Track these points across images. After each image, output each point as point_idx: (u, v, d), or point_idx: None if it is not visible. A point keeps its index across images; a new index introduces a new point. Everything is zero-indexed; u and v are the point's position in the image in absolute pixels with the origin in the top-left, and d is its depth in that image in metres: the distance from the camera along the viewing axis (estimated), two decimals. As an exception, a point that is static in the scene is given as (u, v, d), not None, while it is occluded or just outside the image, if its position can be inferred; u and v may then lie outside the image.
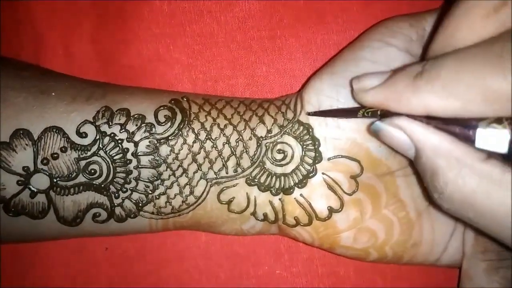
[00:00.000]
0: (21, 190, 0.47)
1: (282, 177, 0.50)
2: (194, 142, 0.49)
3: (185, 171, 0.49)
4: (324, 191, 0.49)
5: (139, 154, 0.48)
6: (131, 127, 0.48)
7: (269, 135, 0.50)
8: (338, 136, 0.49)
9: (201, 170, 0.49)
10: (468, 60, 0.35)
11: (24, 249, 0.60)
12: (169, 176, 0.49)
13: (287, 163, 0.50)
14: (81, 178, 0.48)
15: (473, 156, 0.37)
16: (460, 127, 0.38)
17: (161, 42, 0.59)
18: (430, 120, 0.39)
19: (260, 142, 0.50)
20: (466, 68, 0.35)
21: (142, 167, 0.49)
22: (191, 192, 0.50)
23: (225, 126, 0.49)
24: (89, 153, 0.48)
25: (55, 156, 0.47)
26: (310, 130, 0.49)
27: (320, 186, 0.49)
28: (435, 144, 0.39)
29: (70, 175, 0.48)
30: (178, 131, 0.49)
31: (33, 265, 0.59)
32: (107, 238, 0.58)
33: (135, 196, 0.49)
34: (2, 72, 0.49)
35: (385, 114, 0.41)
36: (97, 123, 0.48)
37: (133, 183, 0.49)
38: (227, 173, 0.50)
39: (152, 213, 0.50)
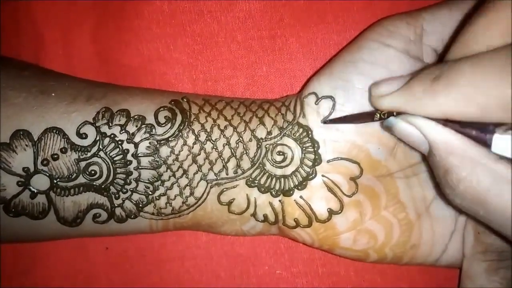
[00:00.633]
0: (21, 191, 0.47)
1: (282, 179, 0.50)
2: (194, 143, 0.49)
3: (185, 172, 0.49)
4: (324, 193, 0.49)
5: (139, 155, 0.48)
6: (131, 128, 0.48)
7: (269, 136, 0.50)
8: (338, 138, 0.49)
9: (201, 171, 0.49)
10: (486, 66, 0.35)
11: (24, 249, 0.60)
12: (169, 177, 0.49)
13: (287, 165, 0.50)
14: (81, 179, 0.48)
15: (487, 156, 0.38)
16: (476, 131, 0.38)
17: (161, 42, 0.59)
18: (447, 122, 0.39)
19: (260, 143, 0.50)
20: (484, 74, 0.35)
21: (142, 168, 0.49)
22: (191, 193, 0.50)
23: (225, 127, 0.49)
24: (89, 154, 0.48)
25: (55, 157, 0.47)
26: (310, 132, 0.49)
27: (320, 188, 0.49)
28: (449, 142, 0.39)
29: (70, 176, 0.48)
30: (178, 132, 0.49)
31: (33, 265, 0.59)
32: (107, 238, 0.58)
33: (136, 197, 0.49)
34: (2, 72, 0.49)
35: (401, 114, 0.42)
36: (97, 124, 0.48)
37: (133, 184, 0.49)
38: (227, 174, 0.50)
39: (153, 213, 0.50)
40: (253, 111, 0.51)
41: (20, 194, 0.47)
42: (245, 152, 0.49)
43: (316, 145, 0.49)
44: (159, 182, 0.49)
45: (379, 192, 0.50)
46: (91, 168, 0.48)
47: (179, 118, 0.49)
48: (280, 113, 0.50)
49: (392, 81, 0.42)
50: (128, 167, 0.48)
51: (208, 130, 0.49)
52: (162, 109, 0.49)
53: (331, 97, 0.48)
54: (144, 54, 0.59)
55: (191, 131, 0.49)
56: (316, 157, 0.49)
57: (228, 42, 0.59)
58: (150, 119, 0.49)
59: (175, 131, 0.49)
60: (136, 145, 0.48)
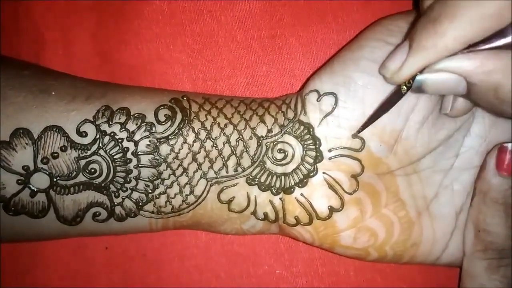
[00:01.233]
0: (21, 189, 0.47)
1: (283, 177, 0.49)
2: (194, 141, 0.49)
3: (185, 170, 0.49)
4: (325, 190, 0.49)
5: (139, 153, 0.48)
6: (131, 126, 0.48)
7: (270, 134, 0.49)
8: (339, 135, 0.48)
9: (201, 170, 0.49)
10: None
11: (24, 249, 0.60)
12: (169, 175, 0.49)
13: (288, 163, 0.49)
14: (81, 178, 0.48)
15: None
16: (498, 38, 0.38)
17: (161, 41, 0.59)
18: (469, 49, 0.39)
19: (260, 141, 0.49)
20: None
21: (142, 166, 0.49)
22: (191, 192, 0.50)
23: (226, 125, 0.49)
24: (89, 152, 0.48)
25: (55, 155, 0.47)
26: (311, 129, 0.49)
27: (320, 186, 0.49)
28: (483, 62, 0.39)
29: (70, 174, 0.48)
30: (178, 130, 0.49)
31: (33, 265, 0.59)
32: (107, 238, 0.58)
33: (135, 195, 0.49)
34: (2, 71, 0.49)
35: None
36: (97, 122, 0.48)
37: (133, 182, 0.49)
38: (227, 172, 0.50)
39: (152, 212, 0.50)
40: (254, 109, 0.50)
41: (20, 192, 0.47)
42: (245, 150, 0.49)
43: (317, 142, 0.49)
44: (159, 180, 0.49)
45: (379, 189, 0.50)
46: (91, 166, 0.48)
47: (179, 116, 0.49)
48: (280, 111, 0.50)
49: (396, 52, 0.42)
50: (128, 165, 0.48)
51: (208, 128, 0.49)
52: (162, 107, 0.49)
53: (333, 94, 0.48)
54: (144, 54, 0.59)
55: (191, 129, 0.49)
56: (318, 154, 0.49)
57: (228, 42, 0.59)
58: (150, 117, 0.49)
59: (175, 129, 0.49)
60: (136, 143, 0.48)
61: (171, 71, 0.59)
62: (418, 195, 0.51)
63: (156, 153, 0.49)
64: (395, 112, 0.47)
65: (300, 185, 0.49)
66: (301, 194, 0.49)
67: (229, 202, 0.50)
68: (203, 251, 0.60)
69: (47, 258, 0.59)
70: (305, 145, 0.49)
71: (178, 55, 0.59)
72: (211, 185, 0.50)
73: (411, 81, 0.42)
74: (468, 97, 0.43)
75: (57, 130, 0.48)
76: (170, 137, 0.49)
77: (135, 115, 0.49)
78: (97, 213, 0.49)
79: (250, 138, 0.50)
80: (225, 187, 0.50)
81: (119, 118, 0.48)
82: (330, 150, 0.49)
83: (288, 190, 0.49)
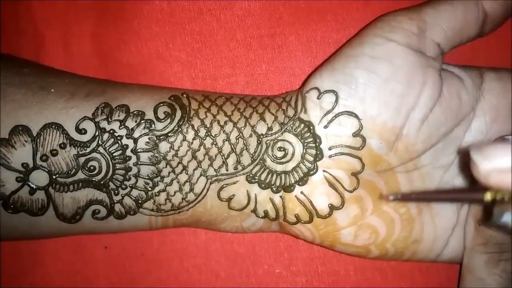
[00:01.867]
0: (20, 186, 0.47)
1: (283, 175, 0.49)
2: (193, 138, 0.49)
3: (185, 168, 0.49)
4: (325, 188, 0.49)
5: (139, 150, 0.48)
6: (130, 123, 0.48)
7: (270, 132, 0.49)
8: (339, 133, 0.48)
9: (201, 167, 0.49)
10: None
11: (24, 249, 0.59)
12: (169, 173, 0.49)
13: (288, 161, 0.49)
14: (80, 175, 0.48)
15: None
16: None
17: (161, 40, 0.59)
18: None
19: (260, 139, 0.49)
20: None
21: (142, 164, 0.48)
22: (191, 189, 0.49)
23: (225, 123, 0.49)
24: (88, 150, 0.48)
25: (54, 153, 0.47)
26: (311, 127, 0.49)
27: (321, 184, 0.49)
28: None
29: (70, 172, 0.48)
30: (178, 127, 0.49)
31: (33, 264, 0.59)
32: (106, 237, 0.58)
33: (135, 193, 0.49)
34: (2, 68, 0.49)
35: None
36: (96, 120, 0.48)
37: (133, 180, 0.49)
38: (227, 170, 0.50)
39: (152, 210, 0.50)
40: (254, 107, 0.50)
41: (19, 190, 0.47)
42: (245, 148, 0.49)
43: (318, 140, 0.48)
44: (159, 178, 0.49)
45: (380, 187, 0.50)
46: (90, 163, 0.48)
47: (178, 113, 0.49)
48: (281, 109, 0.50)
49: (503, 150, 0.34)
50: (127, 162, 0.48)
51: (208, 125, 0.49)
52: (161, 104, 0.49)
53: (333, 91, 0.48)
54: (144, 53, 0.59)
55: (190, 126, 0.49)
56: (318, 152, 0.49)
57: (228, 40, 0.59)
58: (150, 115, 0.49)
59: (175, 126, 0.49)
60: (135, 141, 0.48)
61: (170, 70, 0.59)
62: None
63: (156, 150, 0.48)
64: (395, 110, 0.47)
65: (300, 183, 0.49)
66: (301, 192, 0.49)
67: (229, 200, 0.50)
68: (203, 250, 0.59)
69: (47, 257, 0.59)
70: (305, 143, 0.49)
71: (178, 54, 0.59)
72: (211, 183, 0.50)
73: (501, 199, 0.35)
74: None
75: (56, 127, 0.47)
76: (169, 134, 0.48)
77: (135, 112, 0.48)
78: (97, 211, 0.49)
79: (250, 136, 0.49)
80: (225, 185, 0.50)
81: (119, 115, 0.48)
82: (330, 148, 0.49)
83: (288, 188, 0.49)
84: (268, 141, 0.49)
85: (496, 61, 0.58)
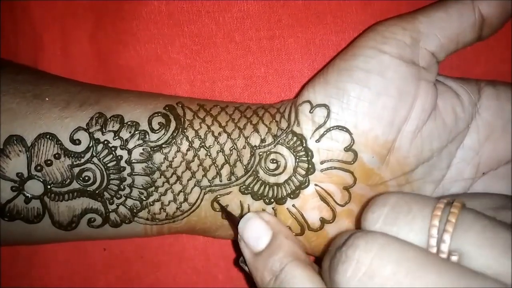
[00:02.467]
0: (16, 195, 0.48)
1: (275, 187, 0.49)
2: (188, 150, 0.49)
3: (179, 178, 0.49)
4: (317, 202, 0.49)
5: (133, 161, 0.48)
6: (124, 134, 0.48)
7: (263, 144, 0.49)
8: (331, 148, 0.48)
9: (195, 178, 0.49)
10: None
11: (23, 250, 0.60)
12: (163, 183, 0.49)
13: (280, 173, 0.49)
14: (75, 185, 0.48)
15: None
16: None
17: (159, 42, 0.58)
18: None
19: (254, 151, 0.49)
20: None
21: (136, 175, 0.49)
22: (185, 199, 0.50)
23: (219, 134, 0.49)
24: (82, 160, 0.48)
25: (48, 163, 0.47)
26: (304, 141, 0.49)
27: (312, 197, 0.49)
28: None
29: (64, 182, 0.48)
30: (172, 139, 0.49)
31: (32, 265, 0.60)
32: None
33: (130, 202, 0.49)
34: None
35: None
36: (90, 130, 0.48)
37: (127, 190, 0.49)
38: (221, 181, 0.50)
39: (147, 219, 0.50)
40: (248, 117, 0.50)
41: (15, 199, 0.48)
42: (238, 159, 0.49)
43: (310, 154, 0.48)
44: (153, 188, 0.49)
45: None
46: (84, 174, 0.48)
47: (173, 124, 0.49)
48: (274, 120, 0.50)
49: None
50: (122, 173, 0.48)
51: (202, 136, 0.49)
52: (156, 115, 0.49)
53: (325, 106, 0.48)
54: (142, 55, 0.58)
55: (185, 137, 0.49)
56: (310, 166, 0.48)
57: (226, 43, 0.58)
58: (144, 125, 0.49)
59: (169, 137, 0.49)
60: (130, 152, 0.48)
61: (169, 72, 0.59)
62: None
63: (150, 161, 0.49)
64: (387, 123, 0.47)
65: (292, 196, 0.49)
66: (293, 205, 0.49)
67: (218, 208, 0.50)
68: (201, 253, 0.60)
69: (46, 259, 0.60)
70: (298, 157, 0.49)
71: (176, 56, 0.58)
72: (205, 193, 0.50)
73: None
74: None
75: (50, 138, 0.48)
76: (163, 145, 0.49)
77: (129, 123, 0.48)
78: (92, 219, 0.49)
79: (244, 147, 0.49)
80: (218, 196, 0.50)
81: (113, 126, 0.48)
82: (322, 162, 0.49)
83: (280, 201, 0.49)
84: (261, 153, 0.49)
85: (496, 61, 0.58)
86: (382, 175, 0.49)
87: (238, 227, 0.46)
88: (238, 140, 0.49)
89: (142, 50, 0.58)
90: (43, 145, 0.47)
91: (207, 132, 0.49)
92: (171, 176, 0.49)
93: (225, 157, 0.49)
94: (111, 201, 0.49)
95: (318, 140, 0.48)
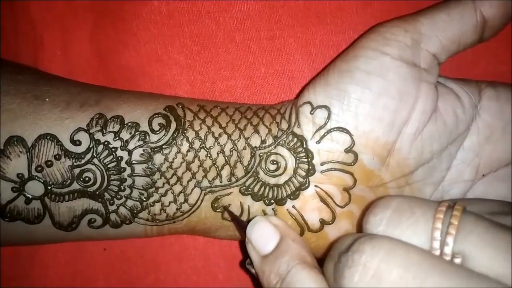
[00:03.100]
0: (16, 196, 0.48)
1: (275, 188, 0.49)
2: (188, 151, 0.49)
3: (179, 179, 0.49)
4: (316, 203, 0.49)
5: (133, 162, 0.48)
6: (125, 135, 0.48)
7: (263, 145, 0.49)
8: (332, 149, 0.48)
9: (195, 179, 0.49)
10: None
11: (23, 250, 0.60)
12: (163, 184, 0.49)
13: (280, 174, 0.49)
14: (75, 186, 0.48)
15: None
16: None
17: (159, 42, 0.58)
18: None
19: (254, 152, 0.49)
20: None
21: (136, 175, 0.49)
22: (186, 200, 0.50)
23: (220, 135, 0.49)
24: (83, 161, 0.48)
25: (49, 164, 0.48)
26: (304, 142, 0.49)
27: (312, 198, 0.49)
28: None
29: (65, 183, 0.48)
30: (172, 140, 0.49)
31: (32, 265, 0.60)
32: (105, 239, 0.59)
33: (130, 203, 0.49)
34: None
35: None
36: (91, 131, 0.48)
37: (128, 191, 0.49)
38: (221, 182, 0.50)
39: (147, 220, 0.50)
40: (248, 118, 0.50)
41: (15, 199, 0.48)
42: (239, 160, 0.49)
43: (310, 155, 0.48)
44: (153, 189, 0.49)
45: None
46: (85, 175, 0.48)
47: (173, 125, 0.49)
48: (275, 122, 0.50)
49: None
50: (122, 174, 0.48)
51: (202, 137, 0.49)
52: (156, 115, 0.49)
53: (326, 107, 0.48)
54: (142, 55, 0.58)
55: (185, 138, 0.49)
56: (310, 167, 0.49)
57: (226, 43, 0.58)
58: (144, 126, 0.49)
59: (169, 138, 0.49)
60: (130, 153, 0.48)
61: (169, 73, 0.59)
62: None
63: (150, 162, 0.49)
64: (388, 125, 0.47)
65: (292, 197, 0.49)
66: (293, 206, 0.49)
67: (223, 211, 0.50)
68: (201, 252, 0.60)
69: (46, 259, 0.60)
70: (298, 158, 0.49)
71: (176, 57, 0.58)
72: (205, 194, 0.50)
73: None
74: None
75: (50, 138, 0.48)
76: (164, 146, 0.49)
77: (129, 124, 0.48)
78: (93, 220, 0.49)
79: (244, 148, 0.49)
80: (219, 196, 0.50)
81: (113, 127, 0.48)
82: (322, 164, 0.49)
83: (280, 202, 0.49)
84: (261, 154, 0.49)
85: (496, 62, 0.58)
86: (382, 177, 0.49)
87: (246, 230, 0.47)
88: (239, 141, 0.49)
89: (142, 50, 0.58)
90: (44, 146, 0.47)
91: (207, 133, 0.49)
92: (171, 177, 0.49)
93: (225, 158, 0.49)
94: (111, 201, 0.49)
95: (318, 142, 0.48)
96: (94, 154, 0.48)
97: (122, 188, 0.49)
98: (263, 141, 0.49)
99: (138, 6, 0.58)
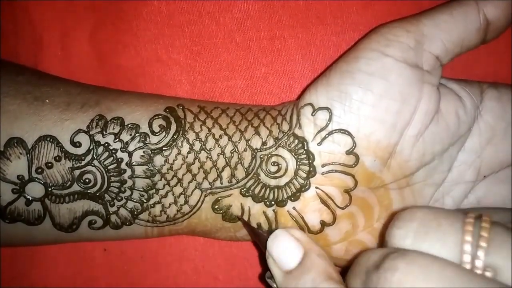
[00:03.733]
0: (16, 198, 0.48)
1: (276, 189, 0.49)
2: (188, 152, 0.49)
3: (179, 181, 0.49)
4: (317, 205, 0.49)
5: (133, 164, 0.48)
6: (125, 136, 0.48)
7: (264, 147, 0.49)
8: (333, 151, 0.48)
9: (195, 180, 0.49)
10: None
11: (23, 250, 0.60)
12: (164, 185, 0.49)
13: (281, 176, 0.49)
14: (75, 187, 0.48)
15: None
16: None
17: (160, 43, 0.58)
18: None
19: (255, 153, 0.49)
20: None
21: (137, 177, 0.49)
22: (186, 202, 0.50)
23: (220, 136, 0.49)
24: (83, 163, 0.48)
25: (49, 165, 0.47)
26: (305, 144, 0.49)
27: (313, 200, 0.49)
28: None
29: (65, 184, 0.48)
30: (173, 141, 0.49)
31: (32, 265, 0.60)
32: (105, 239, 0.59)
33: (130, 204, 0.49)
34: None
35: None
36: (91, 132, 0.48)
37: (128, 192, 0.49)
38: (221, 183, 0.50)
39: (148, 221, 0.50)
40: (249, 120, 0.50)
41: (15, 201, 0.48)
42: (239, 162, 0.49)
43: (311, 157, 0.48)
44: (154, 190, 0.49)
45: (372, 204, 0.49)
46: (85, 176, 0.48)
47: (173, 127, 0.49)
48: (275, 123, 0.50)
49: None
50: (122, 175, 0.48)
51: (203, 139, 0.49)
52: (156, 117, 0.49)
53: (327, 109, 0.48)
54: (142, 55, 0.58)
55: (185, 140, 0.49)
56: (311, 169, 0.48)
57: (227, 43, 0.58)
58: (144, 128, 0.49)
59: (170, 140, 0.49)
60: (130, 154, 0.48)
61: (169, 73, 0.59)
62: None
63: (150, 164, 0.48)
64: (390, 127, 0.47)
65: (292, 198, 0.49)
66: (293, 208, 0.49)
67: (224, 212, 0.50)
68: (201, 253, 0.60)
69: (46, 260, 0.60)
70: (299, 159, 0.49)
71: (177, 57, 0.58)
72: (205, 196, 0.50)
73: None
74: None
75: (51, 140, 0.48)
76: (164, 148, 0.49)
77: (129, 125, 0.48)
78: (93, 221, 0.49)
79: (245, 150, 0.49)
80: (219, 198, 0.50)
81: (113, 128, 0.48)
82: (323, 165, 0.48)
83: (281, 203, 0.49)
84: (262, 156, 0.49)
85: (497, 62, 0.58)
86: (383, 178, 0.49)
87: (267, 244, 0.46)
88: (239, 142, 0.49)
89: (143, 51, 0.58)
90: (44, 148, 0.47)
91: (207, 135, 0.49)
92: (171, 179, 0.49)
93: (226, 159, 0.49)
94: (111, 203, 0.49)
95: (319, 143, 0.48)
96: (94, 156, 0.48)
97: (123, 190, 0.49)
98: (264, 143, 0.49)
99: (138, 6, 0.58)
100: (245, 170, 0.49)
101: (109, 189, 0.49)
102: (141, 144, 0.48)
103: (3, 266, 0.60)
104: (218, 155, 0.49)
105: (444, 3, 0.49)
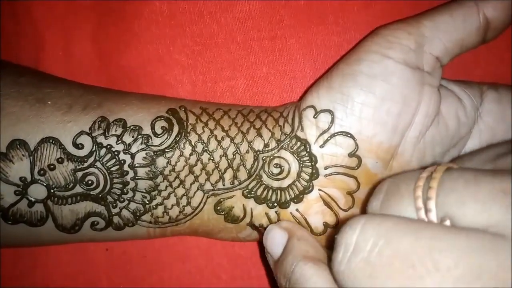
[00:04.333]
0: (19, 199, 0.48)
1: (279, 191, 0.49)
2: (191, 154, 0.49)
3: (182, 182, 0.49)
4: (320, 207, 0.49)
5: (136, 166, 0.48)
6: (127, 138, 0.48)
7: (266, 149, 0.49)
8: (335, 153, 0.48)
9: (198, 182, 0.49)
10: None
11: (25, 250, 0.60)
12: (166, 187, 0.49)
13: (284, 178, 0.49)
14: (78, 189, 0.48)
15: None
16: None
17: (161, 43, 0.58)
18: None
19: (257, 155, 0.49)
20: None
21: (139, 179, 0.49)
22: (188, 203, 0.50)
23: (222, 138, 0.49)
24: (85, 165, 0.48)
25: (51, 167, 0.48)
26: (308, 146, 0.49)
27: (316, 202, 0.49)
28: None
29: (67, 186, 0.48)
30: (175, 143, 0.49)
31: (34, 265, 0.60)
32: (107, 239, 0.59)
33: (133, 206, 0.49)
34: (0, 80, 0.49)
35: None
36: (93, 134, 0.48)
37: (130, 194, 0.49)
38: (224, 185, 0.50)
39: (150, 222, 0.50)
40: (251, 121, 0.50)
41: (18, 202, 0.48)
42: (242, 163, 0.49)
43: (313, 159, 0.48)
44: (156, 191, 0.49)
45: None
46: (87, 178, 0.48)
47: (176, 128, 0.49)
48: (278, 125, 0.50)
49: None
50: (125, 177, 0.48)
51: (205, 141, 0.49)
52: (158, 119, 0.49)
53: (329, 111, 0.48)
54: (144, 55, 0.58)
55: (188, 142, 0.49)
56: (314, 171, 0.48)
57: (228, 43, 0.58)
58: (147, 130, 0.49)
59: (172, 142, 0.49)
60: (133, 156, 0.48)
61: (170, 73, 0.59)
62: None
63: (153, 165, 0.49)
64: (391, 129, 0.47)
65: (295, 200, 0.49)
66: (297, 210, 0.50)
67: (226, 214, 0.50)
68: (204, 252, 0.60)
69: (48, 259, 0.60)
70: (301, 162, 0.49)
71: (178, 57, 0.58)
72: (207, 197, 0.50)
73: None
74: None
75: (53, 142, 0.48)
76: (166, 150, 0.49)
77: (132, 127, 0.48)
78: (95, 222, 0.50)
79: (247, 151, 0.49)
80: (221, 199, 0.50)
81: (116, 130, 0.48)
82: (326, 168, 0.49)
83: (284, 205, 0.49)
84: (264, 158, 0.49)
85: (496, 62, 0.58)
86: None
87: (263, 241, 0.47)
88: (241, 144, 0.49)
89: (144, 51, 0.58)
90: (46, 150, 0.47)
91: (210, 136, 0.49)
92: (174, 180, 0.49)
93: (228, 161, 0.49)
94: (114, 204, 0.49)
95: (322, 146, 0.48)
96: (96, 158, 0.48)
97: (125, 191, 0.49)
98: (266, 145, 0.49)
99: (139, 6, 0.58)
100: (247, 171, 0.49)
101: (112, 190, 0.49)
102: (144, 146, 0.48)
103: (4, 266, 0.60)
104: (220, 157, 0.49)
105: (444, 4, 0.49)
